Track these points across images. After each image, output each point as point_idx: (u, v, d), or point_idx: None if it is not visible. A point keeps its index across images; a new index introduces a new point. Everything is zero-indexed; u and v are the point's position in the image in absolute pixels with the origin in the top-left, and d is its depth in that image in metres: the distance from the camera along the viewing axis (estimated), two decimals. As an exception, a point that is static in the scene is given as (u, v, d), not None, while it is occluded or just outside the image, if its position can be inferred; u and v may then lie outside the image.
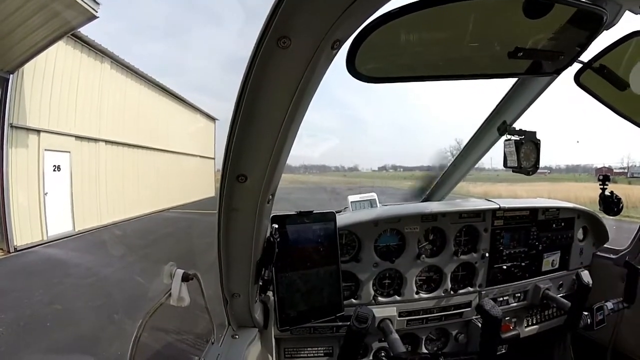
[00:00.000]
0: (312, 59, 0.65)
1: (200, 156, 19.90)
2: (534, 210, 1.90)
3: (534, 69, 0.94)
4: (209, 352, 1.22)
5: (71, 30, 8.30)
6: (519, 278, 1.87)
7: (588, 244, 2.06)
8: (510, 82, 1.48)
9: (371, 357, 1.71)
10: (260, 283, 1.23)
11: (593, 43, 0.90)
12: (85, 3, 7.24)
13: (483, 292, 1.81)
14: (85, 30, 10.14)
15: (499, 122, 1.57)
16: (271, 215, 1.15)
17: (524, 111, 1.52)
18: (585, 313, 1.61)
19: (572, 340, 2.01)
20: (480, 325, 1.72)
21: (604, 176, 1.59)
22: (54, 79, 9.66)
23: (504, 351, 1.71)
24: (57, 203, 9.81)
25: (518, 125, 1.48)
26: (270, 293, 1.39)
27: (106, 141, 12.05)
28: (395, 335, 1.01)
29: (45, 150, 9.48)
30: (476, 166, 2.02)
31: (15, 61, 8.00)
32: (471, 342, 1.82)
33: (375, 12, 0.64)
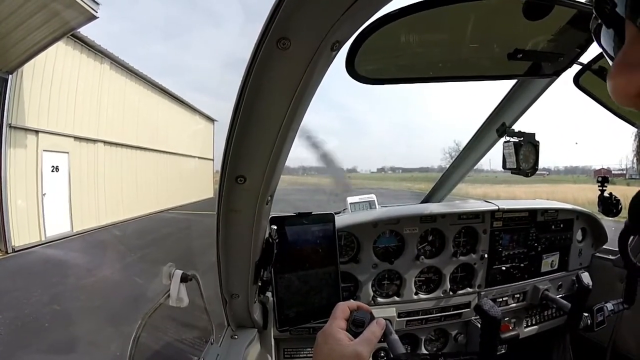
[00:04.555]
0: (311, 61, 0.65)
1: (199, 157, 19.89)
2: (532, 212, 1.90)
3: (533, 71, 0.94)
4: (208, 352, 1.22)
5: (71, 31, 8.31)
6: (518, 279, 1.87)
7: (587, 245, 2.06)
8: (510, 83, 1.48)
9: (371, 358, 1.71)
10: (259, 284, 1.23)
11: (593, 45, 0.90)
12: (85, 3, 7.24)
13: (482, 293, 1.81)
14: (85, 31, 10.16)
15: (498, 123, 1.57)
16: (270, 216, 1.15)
17: (523, 113, 1.52)
18: (585, 314, 1.61)
19: (571, 340, 2.01)
20: (479, 325, 1.72)
21: (603, 177, 1.58)
22: (53, 80, 9.67)
23: (503, 351, 1.71)
24: (56, 204, 9.79)
25: (517, 126, 1.48)
26: (269, 294, 1.38)
27: (105, 142, 12.05)
28: (395, 336, 1.00)
29: (44, 150, 9.48)
30: (475, 168, 2.02)
31: (14, 61, 8.01)
32: (471, 343, 1.83)
33: (375, 13, 0.64)
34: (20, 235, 8.59)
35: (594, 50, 0.98)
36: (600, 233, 2.07)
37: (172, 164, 16.83)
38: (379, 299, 1.71)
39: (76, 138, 10.71)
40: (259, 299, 1.38)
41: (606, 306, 1.65)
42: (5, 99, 8.19)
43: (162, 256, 7.94)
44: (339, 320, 0.84)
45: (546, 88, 1.39)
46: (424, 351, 1.82)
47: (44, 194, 9.42)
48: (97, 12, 7.56)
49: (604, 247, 2.08)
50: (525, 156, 1.40)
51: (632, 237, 1.88)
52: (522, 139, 1.41)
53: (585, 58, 1.02)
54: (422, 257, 1.71)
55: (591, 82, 1.12)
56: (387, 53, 0.81)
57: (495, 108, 1.58)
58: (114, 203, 12.37)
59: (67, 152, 10.42)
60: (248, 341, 1.29)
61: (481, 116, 1.68)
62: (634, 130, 0.36)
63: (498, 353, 1.58)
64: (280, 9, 0.58)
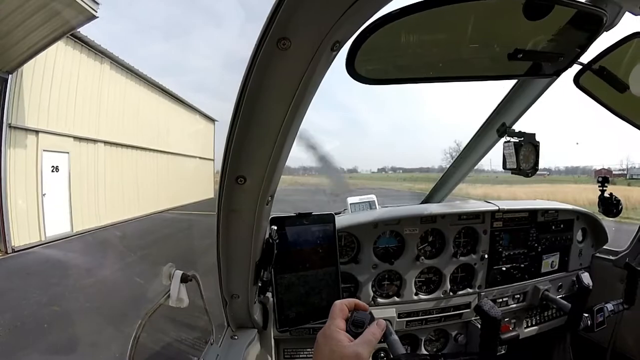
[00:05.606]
0: (311, 61, 0.65)
1: (200, 157, 19.88)
2: (533, 212, 1.90)
3: (533, 71, 0.94)
4: (208, 353, 1.22)
5: (71, 30, 8.29)
6: (518, 279, 1.87)
7: (587, 245, 2.06)
8: (510, 83, 1.48)
9: (371, 359, 1.71)
10: (259, 284, 1.23)
11: (593, 44, 0.90)
12: (85, 3, 7.24)
13: (482, 293, 1.81)
14: (85, 31, 10.17)
15: (498, 123, 1.57)
16: (270, 216, 1.14)
17: (523, 113, 1.52)
18: (586, 314, 1.61)
19: (571, 340, 2.01)
20: (479, 326, 1.72)
21: (603, 178, 1.59)
22: (53, 79, 9.66)
23: (503, 352, 1.71)
24: (56, 204, 9.78)
25: (517, 127, 1.48)
26: (269, 294, 1.38)
27: (105, 142, 12.04)
28: (395, 337, 1.00)
29: (44, 150, 9.47)
30: (475, 168, 2.02)
31: (14, 61, 8.00)
32: (471, 343, 1.82)
33: (375, 13, 0.64)
34: (20, 236, 8.58)
35: (594, 50, 0.98)
36: (601, 233, 2.07)
37: (173, 164, 16.82)
38: (379, 300, 1.70)
39: (76, 138, 10.70)
40: (259, 300, 1.38)
41: (606, 306, 1.65)
42: (5, 99, 8.19)
43: (162, 257, 7.93)
44: (338, 320, 0.83)
45: (546, 88, 1.39)
46: (424, 351, 1.81)
47: (44, 194, 9.41)
48: (96, 11, 7.56)
49: (604, 247, 2.09)
50: (525, 156, 1.40)
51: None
52: (522, 139, 1.41)
53: (586, 58, 1.02)
54: (422, 257, 1.71)
55: (591, 82, 1.12)
56: (387, 53, 0.81)
57: (496, 108, 1.58)
58: (114, 203, 12.35)
59: (67, 152, 10.40)
60: (248, 341, 1.29)
61: (481, 116, 1.68)
62: None
63: (498, 353, 1.58)
64: (281, 9, 0.58)
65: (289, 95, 0.71)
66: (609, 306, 1.66)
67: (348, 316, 0.86)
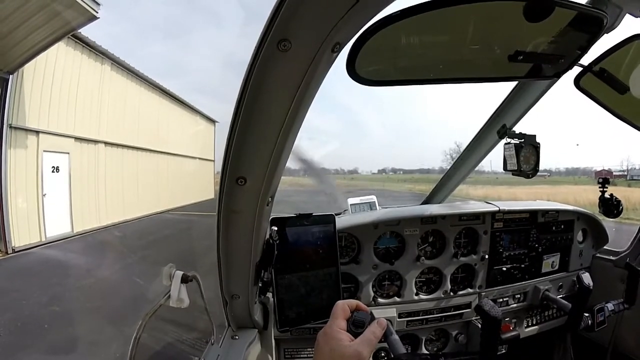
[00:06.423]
0: (312, 62, 0.65)
1: (200, 158, 19.88)
2: (533, 213, 1.90)
3: (534, 73, 0.94)
4: (208, 353, 1.22)
5: (71, 31, 8.32)
6: (518, 279, 1.87)
7: (588, 245, 2.06)
8: (511, 85, 1.48)
9: (371, 359, 1.71)
10: (260, 284, 1.23)
11: (593, 46, 0.90)
12: (86, 3, 7.25)
13: (483, 294, 1.81)
14: (85, 32, 10.18)
15: (498, 125, 1.57)
16: (270, 217, 1.15)
17: (523, 114, 1.52)
18: (586, 314, 1.61)
19: (571, 340, 2.01)
20: (480, 325, 1.72)
21: (604, 179, 1.59)
22: (54, 80, 9.67)
23: (504, 351, 1.71)
24: (56, 204, 9.78)
25: (518, 128, 1.48)
26: (269, 294, 1.39)
27: (106, 143, 12.04)
28: (396, 336, 1.00)
29: (44, 151, 9.47)
30: (476, 169, 2.02)
31: (15, 62, 8.01)
32: (471, 343, 1.83)
33: (375, 15, 0.64)
34: (21, 236, 8.58)
35: (594, 52, 0.98)
36: (601, 234, 2.07)
37: (173, 165, 16.83)
38: (380, 300, 1.71)
39: (77, 139, 10.70)
40: (260, 300, 1.38)
41: (607, 306, 1.65)
42: (5, 100, 8.19)
43: (162, 257, 7.93)
44: (339, 320, 0.83)
45: (547, 90, 1.40)
46: (425, 351, 1.82)
47: (44, 195, 9.41)
48: (97, 12, 7.57)
49: (605, 247, 2.09)
50: (526, 158, 1.41)
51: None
52: (522, 140, 1.42)
53: (586, 60, 1.02)
54: (423, 258, 1.71)
55: (592, 83, 1.12)
56: (388, 55, 0.81)
57: (496, 110, 1.58)
58: (115, 204, 12.35)
59: (68, 153, 10.41)
60: (249, 341, 1.29)
61: (482, 118, 1.68)
62: None
63: (498, 353, 1.58)
64: (281, 11, 0.58)
65: (289, 97, 0.71)
66: (610, 306, 1.66)
67: (349, 316, 0.86)
